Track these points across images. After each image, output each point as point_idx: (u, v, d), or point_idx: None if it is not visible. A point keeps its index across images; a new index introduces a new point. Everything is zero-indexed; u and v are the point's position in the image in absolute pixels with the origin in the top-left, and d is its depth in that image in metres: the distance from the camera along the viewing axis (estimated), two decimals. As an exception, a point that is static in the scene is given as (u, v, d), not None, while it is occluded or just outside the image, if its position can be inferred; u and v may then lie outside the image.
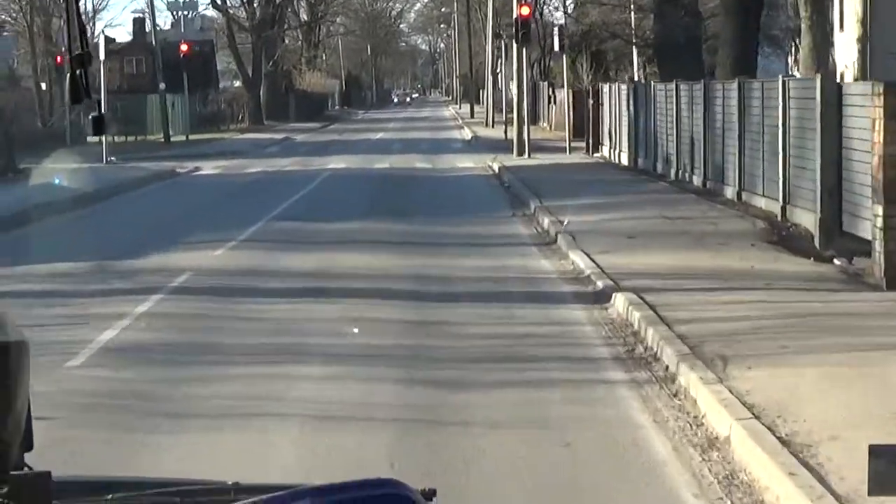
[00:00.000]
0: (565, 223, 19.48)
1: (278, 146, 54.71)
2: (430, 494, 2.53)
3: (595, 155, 38.17)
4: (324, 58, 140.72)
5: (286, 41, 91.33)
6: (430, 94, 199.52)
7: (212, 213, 24.79)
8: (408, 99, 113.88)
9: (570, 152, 40.04)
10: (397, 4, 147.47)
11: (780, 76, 20.70)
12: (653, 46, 34.81)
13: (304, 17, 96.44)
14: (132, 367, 10.98)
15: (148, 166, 38.82)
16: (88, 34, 5.63)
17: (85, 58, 3.09)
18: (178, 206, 26.91)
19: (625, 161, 33.69)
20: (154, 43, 55.78)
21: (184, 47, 53.78)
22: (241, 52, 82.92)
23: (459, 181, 31.73)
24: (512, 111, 62.14)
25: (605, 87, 37.64)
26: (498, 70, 71.20)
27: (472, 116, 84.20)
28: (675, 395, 9.45)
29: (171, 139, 55.77)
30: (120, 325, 12.65)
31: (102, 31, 58.64)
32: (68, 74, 3.23)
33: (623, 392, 9.73)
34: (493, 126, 65.79)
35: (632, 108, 32.10)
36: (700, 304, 12.64)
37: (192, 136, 57.57)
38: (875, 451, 2.98)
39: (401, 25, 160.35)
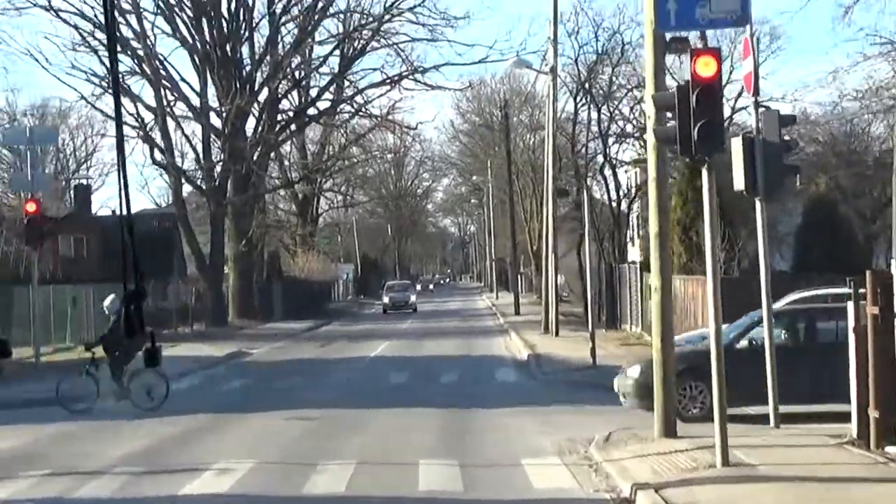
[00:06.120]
0: None
1: (197, 377, 31.59)
2: None
3: (891, 450, 14.30)
4: (339, 238, 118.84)
5: (268, 213, 68.29)
6: (461, 279, 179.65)
7: None
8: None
9: (775, 422, 16.56)
10: (424, 183, 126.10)
11: None
12: None
13: (294, 177, 72.56)
14: None
15: None
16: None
17: (141, 293, 4.85)
18: None
19: None
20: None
21: (30, 207, 31.06)
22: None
23: None
24: (592, 306, 38.87)
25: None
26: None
27: (517, 312, 60.69)
28: None
29: (36, 359, 32.41)
30: None
31: None
32: (123, 309, 4.27)
33: None
34: (556, 332, 42.21)
35: None
36: None
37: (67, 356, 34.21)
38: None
39: (427, 205, 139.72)
